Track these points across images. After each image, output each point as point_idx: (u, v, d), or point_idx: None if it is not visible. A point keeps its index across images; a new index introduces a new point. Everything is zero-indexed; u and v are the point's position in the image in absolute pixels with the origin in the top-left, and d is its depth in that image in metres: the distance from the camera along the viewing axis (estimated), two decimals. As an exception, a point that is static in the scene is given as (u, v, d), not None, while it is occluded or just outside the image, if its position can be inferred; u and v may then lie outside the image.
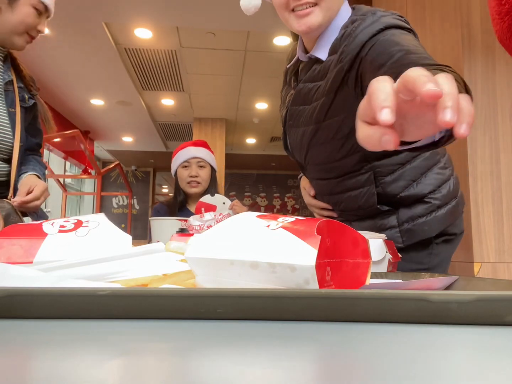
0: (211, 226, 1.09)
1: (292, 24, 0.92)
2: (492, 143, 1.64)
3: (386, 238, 0.81)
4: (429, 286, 0.44)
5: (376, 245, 0.77)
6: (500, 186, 1.62)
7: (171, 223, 1.44)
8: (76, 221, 0.52)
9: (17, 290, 0.33)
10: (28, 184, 1.14)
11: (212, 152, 2.06)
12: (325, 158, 1.02)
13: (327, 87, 0.93)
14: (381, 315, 0.32)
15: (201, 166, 1.96)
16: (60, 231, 0.50)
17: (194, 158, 1.96)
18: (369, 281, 0.44)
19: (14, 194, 1.14)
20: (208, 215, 1.15)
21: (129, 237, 0.52)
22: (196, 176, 1.93)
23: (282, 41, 4.00)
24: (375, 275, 0.59)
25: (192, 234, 0.92)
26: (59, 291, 0.33)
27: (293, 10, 0.90)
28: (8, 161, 1.14)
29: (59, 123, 5.49)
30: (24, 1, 1.14)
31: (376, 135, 0.41)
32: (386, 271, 0.76)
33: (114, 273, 0.44)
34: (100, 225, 0.52)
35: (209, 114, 6.13)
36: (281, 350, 0.25)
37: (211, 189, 1.98)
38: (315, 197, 1.15)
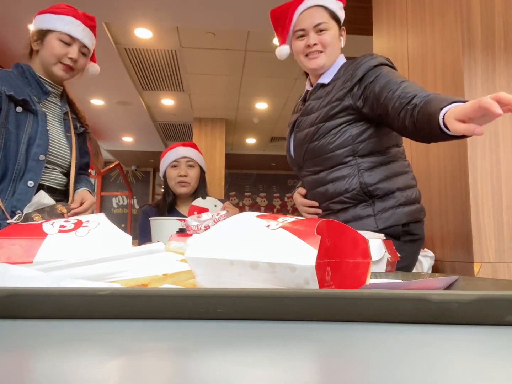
0: (209, 226, 1.09)
1: (306, 65, 1.36)
2: (492, 143, 1.63)
3: (385, 237, 0.81)
4: (429, 286, 0.44)
5: (375, 244, 0.77)
6: (500, 186, 1.62)
7: (171, 223, 1.44)
8: (76, 221, 0.52)
9: (17, 290, 0.33)
10: (82, 196, 1.47)
11: (201, 153, 2.05)
12: (321, 151, 1.31)
13: (332, 98, 1.29)
14: (381, 315, 0.32)
15: (190, 166, 1.96)
16: (60, 231, 0.50)
17: (183, 158, 1.96)
18: (369, 281, 0.44)
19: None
20: (206, 215, 1.15)
21: (129, 237, 0.52)
22: (185, 176, 1.92)
23: (282, 41, 4.00)
24: (375, 275, 0.59)
25: (191, 235, 0.92)
26: (59, 291, 0.33)
27: (307, 55, 1.34)
28: (67, 175, 1.49)
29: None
30: (51, 37, 1.38)
31: (471, 127, 0.83)
32: (384, 271, 0.76)
33: (114, 273, 0.44)
34: (100, 225, 0.52)
35: (209, 114, 6.13)
36: (281, 350, 0.25)
37: (201, 189, 1.97)
38: (305, 196, 1.43)
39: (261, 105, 5.78)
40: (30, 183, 1.32)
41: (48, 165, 1.38)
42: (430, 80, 1.91)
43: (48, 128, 1.37)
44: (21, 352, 0.25)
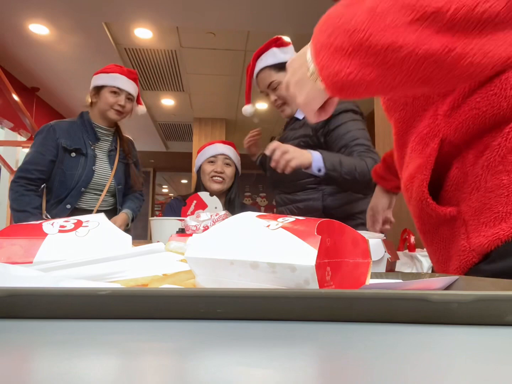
0: (207, 226, 1.09)
1: (280, 114, 1.63)
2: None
3: (385, 237, 0.81)
4: (429, 286, 0.44)
5: (374, 244, 0.77)
6: (500, 186, 1.62)
7: (171, 223, 1.44)
8: (76, 221, 0.52)
9: (17, 290, 0.33)
10: (114, 220, 1.85)
11: (239, 154, 2.03)
12: (292, 178, 1.51)
13: (302, 133, 1.53)
14: (381, 315, 0.32)
15: (227, 164, 1.93)
16: (60, 231, 0.50)
17: (222, 155, 1.93)
18: (369, 281, 0.44)
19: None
20: (205, 215, 1.15)
21: (129, 237, 0.52)
22: (222, 172, 1.90)
23: (282, 41, 4.00)
24: (375, 275, 0.59)
25: (191, 235, 0.92)
26: (59, 291, 0.33)
27: (278, 108, 1.60)
28: (114, 196, 1.93)
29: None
30: (104, 90, 1.83)
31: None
32: (384, 271, 0.76)
33: (114, 273, 0.44)
34: (100, 225, 0.52)
35: (209, 114, 6.13)
36: (281, 350, 0.25)
37: (233, 190, 1.95)
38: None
39: (261, 105, 5.78)
40: (68, 206, 1.76)
41: (90, 192, 1.81)
42: (430, 80, 1.90)
43: (94, 167, 1.81)
44: (21, 352, 0.25)
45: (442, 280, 0.46)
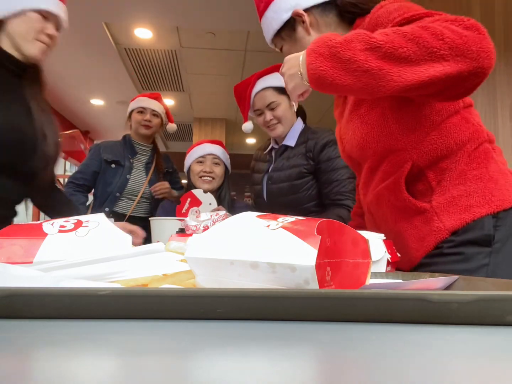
0: (207, 226, 1.10)
1: (269, 133, 1.72)
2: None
3: (385, 238, 0.81)
4: (429, 286, 0.44)
5: (374, 244, 0.77)
6: (500, 186, 1.62)
7: (171, 223, 1.44)
8: (76, 221, 0.52)
9: (17, 290, 0.33)
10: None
11: (227, 152, 2.04)
12: (295, 204, 1.59)
13: (298, 162, 1.61)
14: (381, 315, 0.32)
15: (215, 163, 1.94)
16: (60, 231, 0.50)
17: (210, 155, 1.94)
18: (369, 281, 0.44)
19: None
20: (204, 215, 1.15)
21: (129, 237, 0.52)
22: (210, 172, 1.91)
23: (282, 41, 4.00)
24: (375, 275, 0.59)
25: (191, 234, 0.92)
26: (59, 291, 0.33)
27: (268, 127, 1.69)
28: (150, 203, 2.19)
29: (59, 123, 5.50)
30: (134, 112, 2.23)
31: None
32: (384, 271, 0.76)
33: (114, 273, 0.44)
34: (100, 225, 0.52)
35: (209, 114, 6.13)
36: (281, 350, 0.25)
37: (223, 188, 1.96)
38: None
39: (261, 105, 5.78)
40: (106, 209, 2.07)
41: (124, 197, 2.12)
42: (430, 80, 1.91)
43: (128, 175, 2.13)
44: (21, 352, 0.25)
45: (442, 280, 0.46)
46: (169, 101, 5.69)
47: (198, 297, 0.32)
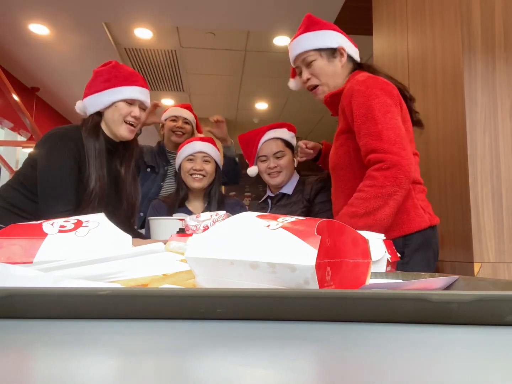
0: (207, 226, 1.10)
1: (268, 181, 1.92)
2: (492, 143, 1.63)
3: (385, 238, 0.81)
4: (429, 286, 0.44)
5: (374, 244, 0.77)
6: (500, 186, 1.62)
7: (171, 223, 1.44)
8: (76, 221, 0.52)
9: (17, 290, 0.33)
10: None
11: (218, 149, 2.04)
12: None
13: (295, 209, 1.79)
14: (381, 315, 0.32)
15: (206, 161, 1.95)
16: (60, 231, 0.50)
17: (200, 153, 1.94)
18: (369, 281, 0.44)
19: None
20: (205, 215, 1.15)
21: (129, 237, 0.52)
22: (201, 170, 1.91)
23: (282, 41, 4.00)
24: (375, 275, 0.59)
25: (191, 234, 0.92)
26: (59, 291, 0.33)
27: (269, 174, 1.89)
28: None
29: (58, 123, 5.49)
30: (167, 121, 2.40)
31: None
32: (384, 271, 0.76)
33: (114, 273, 0.44)
34: (100, 225, 0.52)
35: (209, 114, 6.10)
36: (281, 350, 0.25)
37: (214, 185, 1.97)
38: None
39: (261, 105, 5.78)
40: (141, 214, 2.15)
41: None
42: (430, 80, 1.91)
43: (162, 183, 2.25)
44: (21, 352, 0.25)
45: (442, 280, 0.46)
46: (169, 101, 5.69)
47: (198, 297, 0.32)
